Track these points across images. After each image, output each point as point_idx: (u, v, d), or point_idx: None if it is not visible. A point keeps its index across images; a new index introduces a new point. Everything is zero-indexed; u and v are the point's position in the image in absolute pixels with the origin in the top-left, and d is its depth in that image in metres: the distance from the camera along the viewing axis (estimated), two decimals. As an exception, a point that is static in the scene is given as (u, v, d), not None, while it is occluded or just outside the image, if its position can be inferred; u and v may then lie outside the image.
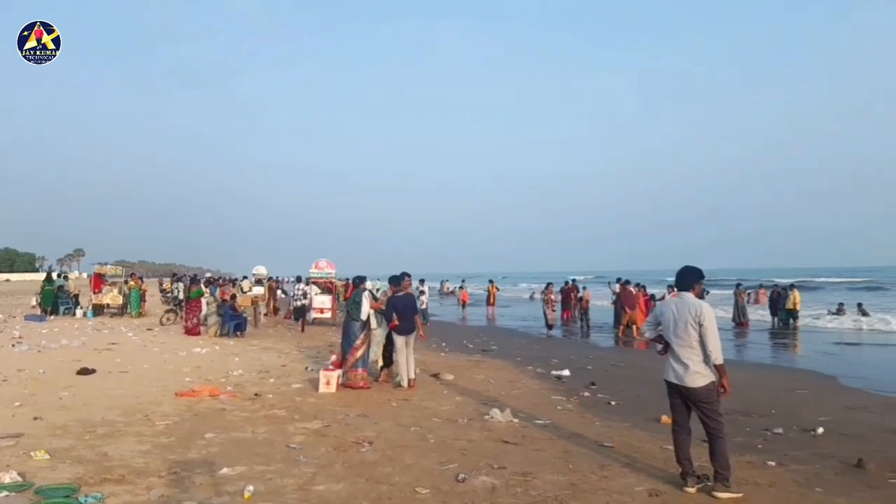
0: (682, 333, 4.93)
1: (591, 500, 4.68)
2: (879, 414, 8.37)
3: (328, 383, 8.92)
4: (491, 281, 31.06)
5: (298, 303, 20.54)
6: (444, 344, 15.53)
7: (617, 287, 22.23)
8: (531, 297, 45.66)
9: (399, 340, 9.42)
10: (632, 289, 20.43)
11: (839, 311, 25.40)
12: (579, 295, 22.58)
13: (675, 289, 5.34)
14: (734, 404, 8.12)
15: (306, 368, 10.98)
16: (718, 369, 4.85)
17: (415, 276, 12.84)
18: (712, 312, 4.95)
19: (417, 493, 4.76)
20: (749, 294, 29.93)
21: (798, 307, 24.30)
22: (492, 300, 29.28)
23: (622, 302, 20.01)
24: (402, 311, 9.43)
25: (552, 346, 16.77)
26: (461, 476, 5.12)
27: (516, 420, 7.33)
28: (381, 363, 9.86)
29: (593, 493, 4.84)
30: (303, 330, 18.68)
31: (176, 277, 30.63)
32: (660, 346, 5.28)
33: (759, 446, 6.52)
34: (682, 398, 5.02)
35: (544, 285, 21.53)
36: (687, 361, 4.90)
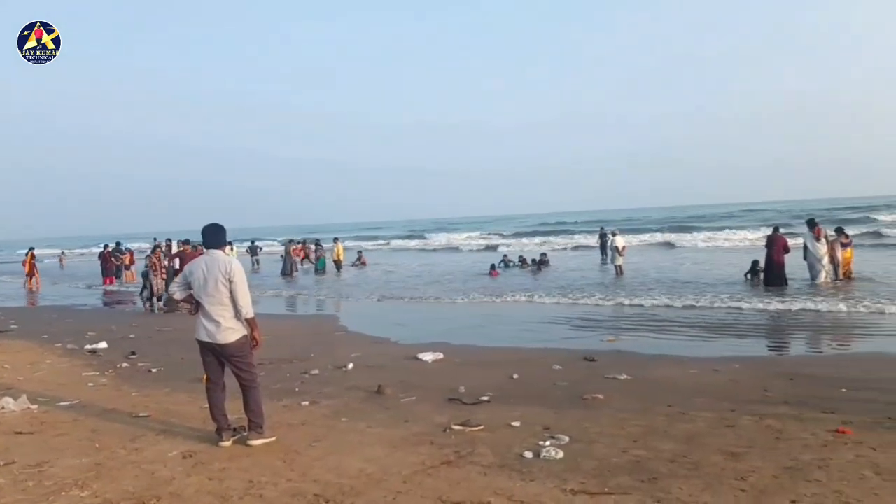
0: (213, 291, 4.88)
1: (119, 476, 4.34)
2: (396, 346, 9.89)
3: None
4: (31, 248, 25.93)
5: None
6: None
7: (164, 246, 21.18)
8: (60, 261, 40.94)
9: None
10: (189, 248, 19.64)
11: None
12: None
13: (204, 247, 5.18)
14: (279, 353, 8.61)
15: None
16: (250, 323, 4.97)
17: None
18: (242, 269, 5.03)
19: None
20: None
21: (342, 258, 27.12)
22: (28, 269, 24.45)
23: (183, 262, 19.03)
24: None
25: (90, 317, 15.08)
26: (-54, 487, 4.19)
27: (35, 406, 6.33)
28: None
29: (121, 468, 4.50)
30: None
31: None
32: (191, 306, 5.16)
33: (297, 389, 7.01)
34: (215, 355, 5.02)
35: (150, 248, 18.70)
36: (219, 319, 4.89)
